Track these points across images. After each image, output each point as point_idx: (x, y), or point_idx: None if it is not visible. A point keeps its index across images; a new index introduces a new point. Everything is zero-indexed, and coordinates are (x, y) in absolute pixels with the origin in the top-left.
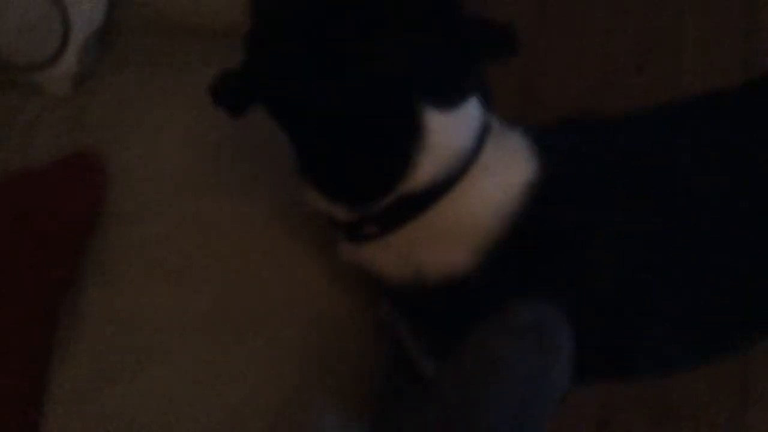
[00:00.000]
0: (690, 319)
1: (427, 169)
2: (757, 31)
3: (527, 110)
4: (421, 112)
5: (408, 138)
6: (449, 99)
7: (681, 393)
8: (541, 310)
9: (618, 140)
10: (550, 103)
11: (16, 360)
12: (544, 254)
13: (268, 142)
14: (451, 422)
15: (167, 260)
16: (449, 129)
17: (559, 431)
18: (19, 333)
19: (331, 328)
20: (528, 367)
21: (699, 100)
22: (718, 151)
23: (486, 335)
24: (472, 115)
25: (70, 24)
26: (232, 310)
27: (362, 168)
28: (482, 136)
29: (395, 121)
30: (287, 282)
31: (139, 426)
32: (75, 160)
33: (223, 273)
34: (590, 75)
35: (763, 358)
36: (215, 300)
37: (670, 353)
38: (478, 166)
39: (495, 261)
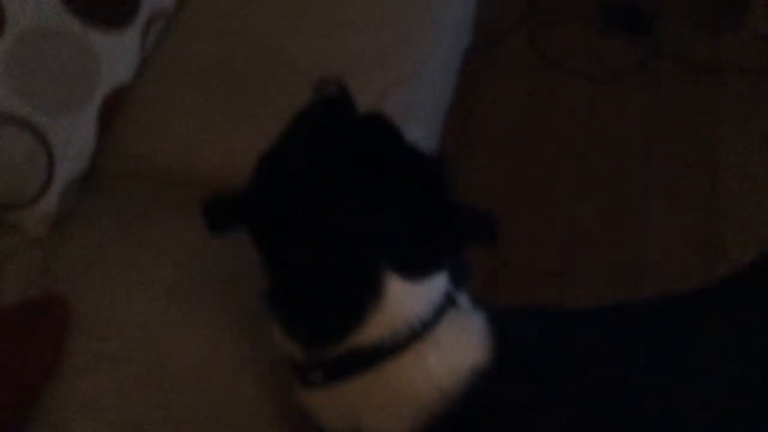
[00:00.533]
0: None
1: (376, 328)
2: (718, 208)
3: (496, 273)
4: (384, 275)
5: (366, 295)
6: (416, 271)
7: None
8: None
9: (575, 337)
10: (518, 266)
11: None
12: None
13: (239, 300)
14: None
15: (121, 415)
16: (408, 297)
17: None
18: None
19: None
20: None
21: (661, 302)
22: (671, 360)
23: None
24: (436, 290)
25: (54, 166)
26: None
27: (320, 311)
28: (441, 312)
29: (357, 276)
30: None
31: None
32: (39, 305)
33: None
34: (558, 241)
35: None
36: None
37: None
38: (429, 340)
39: None
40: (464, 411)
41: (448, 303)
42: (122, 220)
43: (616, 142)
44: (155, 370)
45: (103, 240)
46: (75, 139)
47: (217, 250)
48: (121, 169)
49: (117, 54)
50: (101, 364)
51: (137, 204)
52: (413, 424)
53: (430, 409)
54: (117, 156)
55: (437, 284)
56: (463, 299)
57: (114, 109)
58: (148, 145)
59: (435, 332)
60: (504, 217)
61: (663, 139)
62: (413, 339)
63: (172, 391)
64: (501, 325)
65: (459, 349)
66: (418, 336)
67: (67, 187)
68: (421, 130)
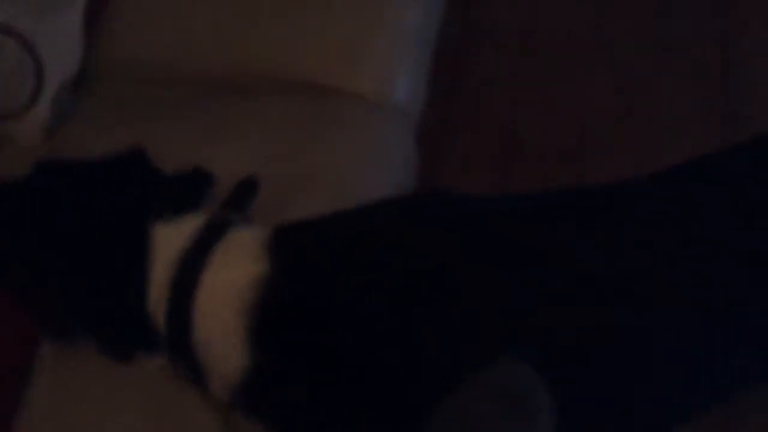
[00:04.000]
0: None
1: (158, 278)
2: (737, 86)
3: (508, 155)
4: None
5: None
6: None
7: None
8: (519, 372)
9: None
10: (531, 148)
11: None
12: (293, 334)
13: None
14: None
15: None
16: (162, 246)
17: None
18: None
19: None
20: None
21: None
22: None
23: (464, 400)
24: (189, 227)
25: (43, 72)
26: None
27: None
28: (207, 241)
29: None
30: None
31: None
32: None
33: None
34: (571, 121)
35: None
36: None
37: None
38: (210, 264)
39: (259, 350)
40: (267, 319)
41: (215, 230)
42: (114, 124)
43: (628, 12)
44: None
45: (97, 147)
46: (62, 42)
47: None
48: (114, 71)
49: None
50: None
51: (128, 105)
52: (239, 344)
53: (242, 327)
54: (109, 57)
55: (187, 223)
56: (243, 221)
57: (100, 7)
58: (139, 44)
59: (210, 259)
60: (515, 98)
61: (678, 4)
62: (194, 271)
63: None
64: (281, 235)
65: (235, 265)
66: (197, 266)
67: (57, 93)
68: (420, 14)
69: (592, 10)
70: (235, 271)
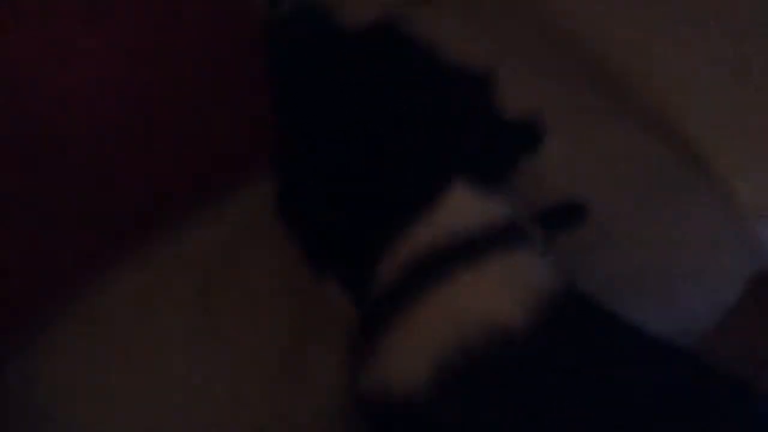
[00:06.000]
0: None
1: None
2: None
3: None
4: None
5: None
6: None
7: None
8: None
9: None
10: None
11: None
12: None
13: None
14: None
15: None
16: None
17: None
18: None
19: None
20: None
21: None
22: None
23: None
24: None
25: None
26: None
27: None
28: (486, 237)
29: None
30: None
31: None
32: None
33: None
34: None
35: None
36: None
37: None
38: (462, 274)
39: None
40: (478, 374)
41: (499, 235)
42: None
43: None
44: None
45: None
46: None
47: None
48: None
49: None
50: None
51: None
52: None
53: (444, 361)
54: None
55: (486, 202)
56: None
57: None
58: None
59: (467, 266)
60: None
61: None
62: (433, 270)
63: None
64: (564, 299)
65: (486, 297)
66: (440, 268)
67: None
68: None
69: None
70: (483, 304)
